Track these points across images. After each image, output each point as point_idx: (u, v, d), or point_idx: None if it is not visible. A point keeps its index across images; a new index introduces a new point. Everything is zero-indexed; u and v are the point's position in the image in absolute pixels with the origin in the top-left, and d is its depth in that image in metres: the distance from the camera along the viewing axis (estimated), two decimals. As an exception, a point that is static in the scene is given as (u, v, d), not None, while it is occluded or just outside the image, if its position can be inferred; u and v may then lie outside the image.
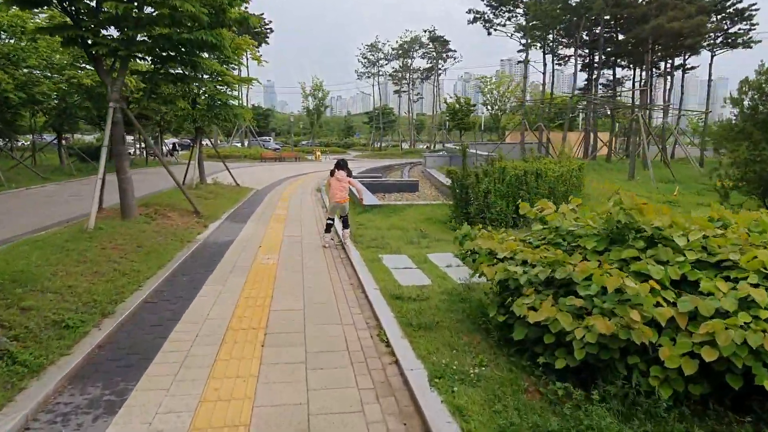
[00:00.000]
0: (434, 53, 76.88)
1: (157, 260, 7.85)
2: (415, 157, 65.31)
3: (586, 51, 41.95)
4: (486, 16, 36.19)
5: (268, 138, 79.46)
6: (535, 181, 11.42)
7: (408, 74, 75.91)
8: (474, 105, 60.82)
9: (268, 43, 56.84)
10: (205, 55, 16.38)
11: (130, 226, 9.57)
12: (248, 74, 57.86)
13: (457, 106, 59.47)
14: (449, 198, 17.92)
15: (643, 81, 31.74)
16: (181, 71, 10.99)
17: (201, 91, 18.13)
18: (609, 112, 43.96)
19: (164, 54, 10.48)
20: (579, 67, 41.58)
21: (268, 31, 55.88)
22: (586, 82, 38.63)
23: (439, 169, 26.69)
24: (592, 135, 36.97)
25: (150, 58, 10.44)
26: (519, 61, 40.76)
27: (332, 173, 9.94)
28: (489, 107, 62.44)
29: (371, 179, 21.28)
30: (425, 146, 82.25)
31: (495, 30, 36.55)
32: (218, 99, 18.33)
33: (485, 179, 11.19)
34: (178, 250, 8.79)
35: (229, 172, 20.87)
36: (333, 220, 10.06)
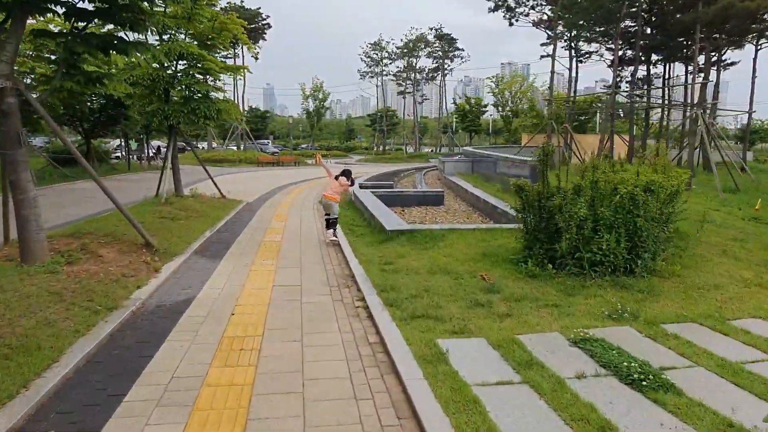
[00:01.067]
0: (440, 52, 73.24)
1: (8, 379, 3.99)
2: (421, 161, 61.50)
3: (613, 46, 38.28)
4: (508, 4, 32.53)
5: (266, 141, 75.86)
6: (650, 202, 7.59)
7: (413, 74, 72.22)
8: (485, 106, 57.09)
9: (265, 39, 53.20)
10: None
11: (12, 280, 5.74)
12: (243, 74, 53.99)
13: (467, 106, 55.72)
14: (489, 217, 14.08)
15: (691, 75, 28.12)
16: (112, 31, 7.22)
17: (175, 80, 14.39)
18: (629, 113, 40.24)
19: (84, 6, 6.68)
20: (607, 62, 37.87)
21: (266, 26, 52.19)
22: (618, 80, 35.01)
23: (464, 176, 22.87)
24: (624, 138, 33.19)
25: (63, 10, 6.61)
26: (542, 56, 37.03)
27: (337, 177, 10.84)
28: (500, 108, 58.68)
29: (385, 190, 17.48)
30: (430, 149, 78.63)
31: (517, 20, 32.92)
32: (197, 90, 14.57)
33: (580, 200, 7.35)
34: (79, 335, 4.94)
35: (212, 180, 17.06)
36: (329, 216, 10.68)
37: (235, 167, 43.47)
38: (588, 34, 34.33)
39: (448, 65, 74.72)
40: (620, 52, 37.57)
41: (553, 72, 29.40)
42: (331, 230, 10.49)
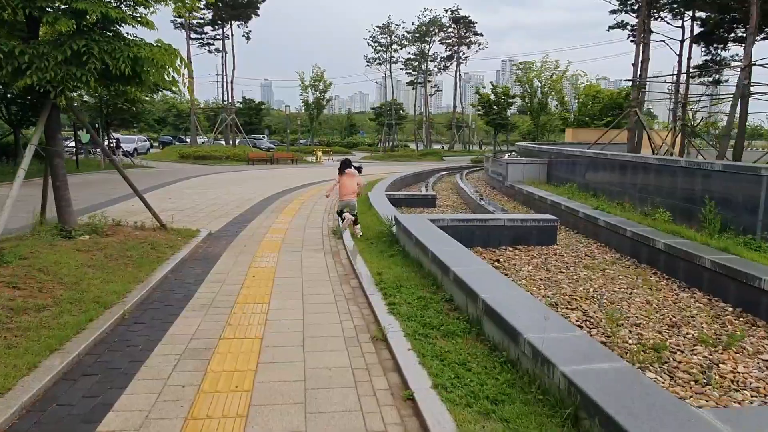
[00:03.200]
0: (455, 38, 65.72)
1: None
2: (436, 160, 54.14)
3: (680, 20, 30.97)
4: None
5: (261, 136, 68.46)
6: None
7: (425, 62, 64.66)
8: (513, 97, 49.64)
9: (258, 14, 45.48)
10: None
11: None
12: (233, 64, 45.65)
13: (493, 97, 48.23)
14: (693, 283, 6.61)
15: None
16: None
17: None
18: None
19: None
20: (669, 43, 30.46)
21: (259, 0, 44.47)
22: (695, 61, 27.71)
23: (542, 185, 15.43)
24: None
25: None
26: (611, 27, 29.82)
27: (341, 172, 9.81)
28: (526, 100, 51.18)
29: (450, 217, 10.07)
30: (441, 147, 71.43)
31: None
32: (95, 16, 7.03)
33: None
34: None
35: (143, 200, 9.40)
36: (343, 212, 9.56)
37: (219, 166, 36.00)
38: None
39: (464, 53, 67.45)
40: (689, 28, 30.20)
41: (644, 44, 21.78)
42: (356, 226, 9.42)
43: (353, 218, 9.45)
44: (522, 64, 49.02)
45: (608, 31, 31.25)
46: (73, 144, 27.75)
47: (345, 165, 9.87)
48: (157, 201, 14.18)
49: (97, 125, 26.98)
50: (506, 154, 24.93)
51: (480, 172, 28.24)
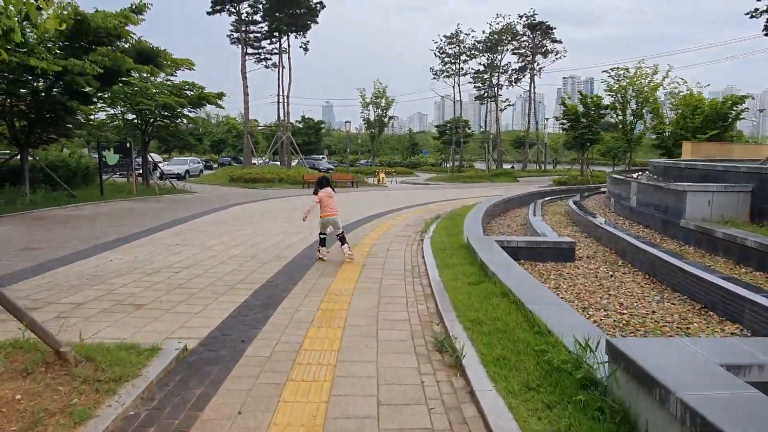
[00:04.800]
0: (530, 48, 59.67)
1: None
2: (509, 181, 47.97)
3: None
4: None
5: (320, 156, 64.89)
6: None
7: (496, 75, 58.91)
8: (605, 108, 42.79)
9: (317, 22, 41.52)
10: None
11: None
12: (288, 72, 41.64)
13: (581, 109, 41.60)
14: None
15: None
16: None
17: None
18: None
19: None
20: None
21: (318, 6, 40.46)
22: None
23: (751, 228, 9.31)
24: None
25: None
26: (748, 13, 23.35)
27: (316, 192, 9.17)
28: (618, 113, 44.07)
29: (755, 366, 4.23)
30: (511, 166, 65.10)
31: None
32: None
33: None
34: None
35: (18, 317, 4.27)
36: (325, 234, 9.10)
37: (271, 189, 31.62)
38: None
39: (539, 63, 61.22)
40: None
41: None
42: (346, 245, 8.89)
43: (340, 238, 8.97)
44: (613, 70, 42.08)
45: (750, 18, 24.93)
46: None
47: (320, 184, 9.34)
48: (160, 250, 9.26)
49: (128, 144, 23.10)
50: (635, 174, 18.72)
51: (592, 199, 22.01)
